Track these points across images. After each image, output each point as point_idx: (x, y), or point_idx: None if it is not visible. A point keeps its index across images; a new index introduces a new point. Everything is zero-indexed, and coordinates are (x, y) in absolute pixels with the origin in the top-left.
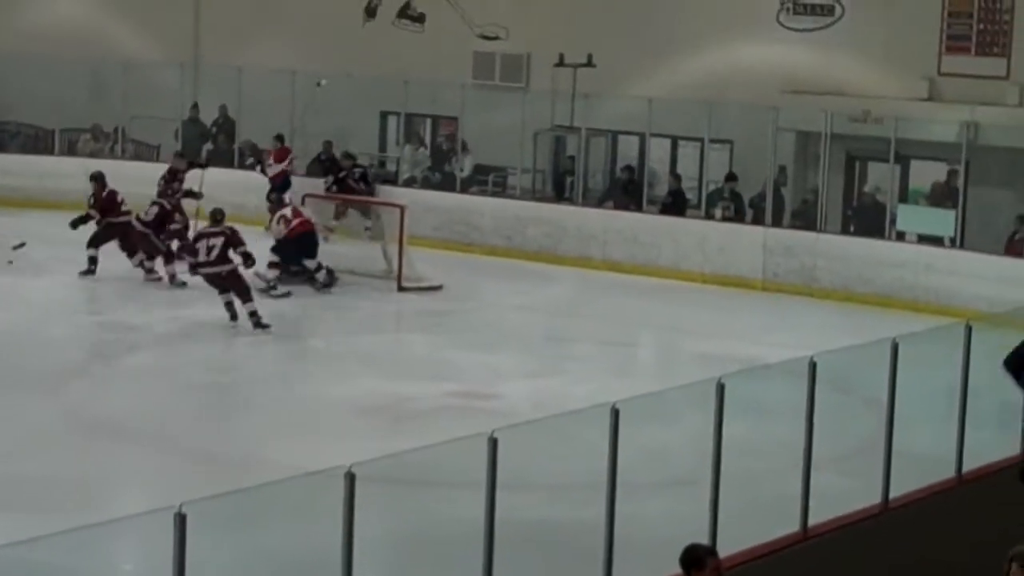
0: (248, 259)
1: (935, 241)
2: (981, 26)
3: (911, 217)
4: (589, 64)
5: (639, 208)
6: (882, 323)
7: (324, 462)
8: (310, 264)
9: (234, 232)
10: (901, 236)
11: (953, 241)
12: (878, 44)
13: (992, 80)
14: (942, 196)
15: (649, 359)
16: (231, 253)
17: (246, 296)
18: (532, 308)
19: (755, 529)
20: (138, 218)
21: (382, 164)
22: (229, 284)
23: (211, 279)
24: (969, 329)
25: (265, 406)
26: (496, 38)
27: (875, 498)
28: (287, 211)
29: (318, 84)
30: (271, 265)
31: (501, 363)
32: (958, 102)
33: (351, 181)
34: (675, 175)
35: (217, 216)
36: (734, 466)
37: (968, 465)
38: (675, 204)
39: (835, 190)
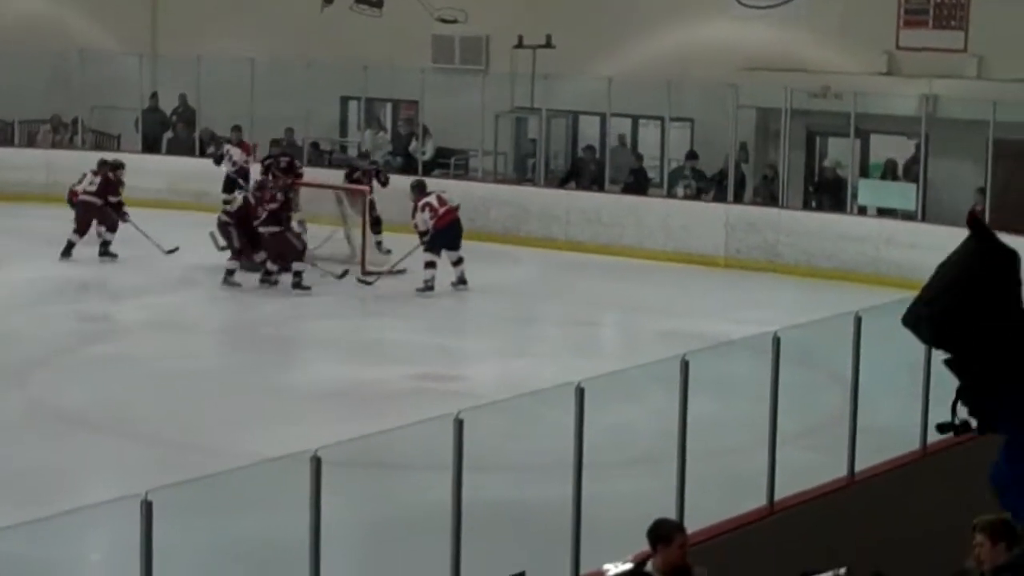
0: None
1: (897, 214)
2: None
3: (872, 191)
4: (548, 45)
5: (601, 188)
6: (845, 297)
7: (290, 447)
8: (451, 256)
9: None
10: (863, 210)
11: (914, 214)
12: (836, 19)
13: (950, 53)
14: (905, 172)
15: (613, 338)
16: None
17: (292, 258)
18: (496, 290)
19: (722, 504)
20: (224, 211)
21: (343, 149)
22: (276, 246)
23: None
24: None
25: (230, 393)
26: (455, 21)
27: (841, 471)
28: (432, 199)
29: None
30: (428, 265)
31: (465, 345)
32: (917, 76)
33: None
34: (636, 154)
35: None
36: (700, 443)
37: (932, 437)
38: (637, 183)
39: (796, 166)
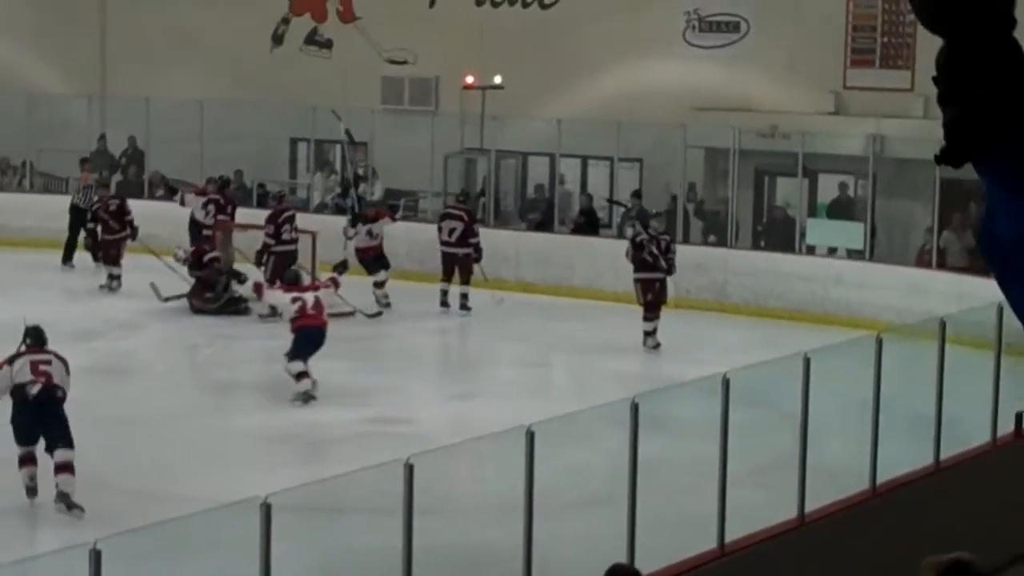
0: None
1: (847, 254)
2: (885, 39)
3: (820, 231)
4: (498, 87)
5: (550, 229)
6: (794, 337)
7: (239, 493)
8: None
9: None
10: (811, 250)
11: (862, 254)
12: (784, 59)
13: (897, 92)
14: (843, 210)
15: (564, 379)
16: None
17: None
18: (446, 332)
19: (673, 546)
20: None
21: (293, 191)
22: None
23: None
24: (880, 342)
25: (178, 438)
26: (404, 62)
27: (791, 512)
28: (309, 297)
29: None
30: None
31: (416, 388)
32: (864, 115)
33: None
34: (587, 194)
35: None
36: (651, 484)
37: (881, 477)
38: (588, 223)
39: (745, 206)
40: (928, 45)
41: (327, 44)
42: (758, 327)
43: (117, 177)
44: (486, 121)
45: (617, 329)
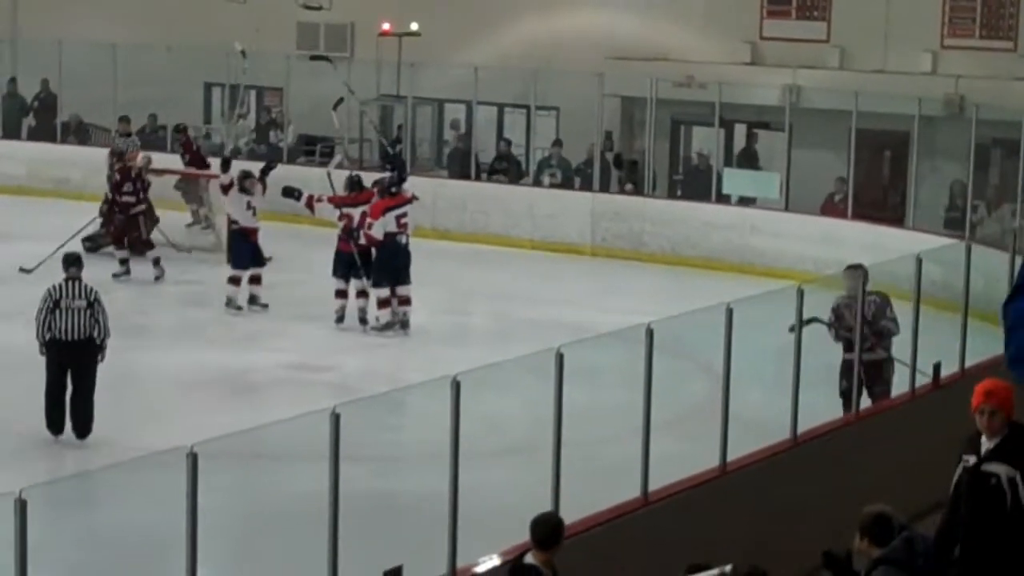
0: None
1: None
2: None
3: (736, 180)
4: (414, 33)
5: (468, 176)
6: (710, 285)
7: (164, 440)
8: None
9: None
10: (727, 199)
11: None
12: (701, 9)
13: (813, 44)
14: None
15: (481, 327)
16: None
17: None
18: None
19: (597, 495)
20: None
21: (207, 136)
22: None
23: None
24: (801, 292)
25: (100, 385)
26: (319, 8)
27: (713, 461)
28: None
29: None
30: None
31: (334, 334)
32: (780, 66)
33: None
34: (506, 140)
35: None
36: (571, 433)
37: (802, 427)
38: (508, 170)
39: (661, 155)
40: None
41: None
42: (675, 275)
43: (29, 121)
44: (402, 68)
45: (533, 277)
